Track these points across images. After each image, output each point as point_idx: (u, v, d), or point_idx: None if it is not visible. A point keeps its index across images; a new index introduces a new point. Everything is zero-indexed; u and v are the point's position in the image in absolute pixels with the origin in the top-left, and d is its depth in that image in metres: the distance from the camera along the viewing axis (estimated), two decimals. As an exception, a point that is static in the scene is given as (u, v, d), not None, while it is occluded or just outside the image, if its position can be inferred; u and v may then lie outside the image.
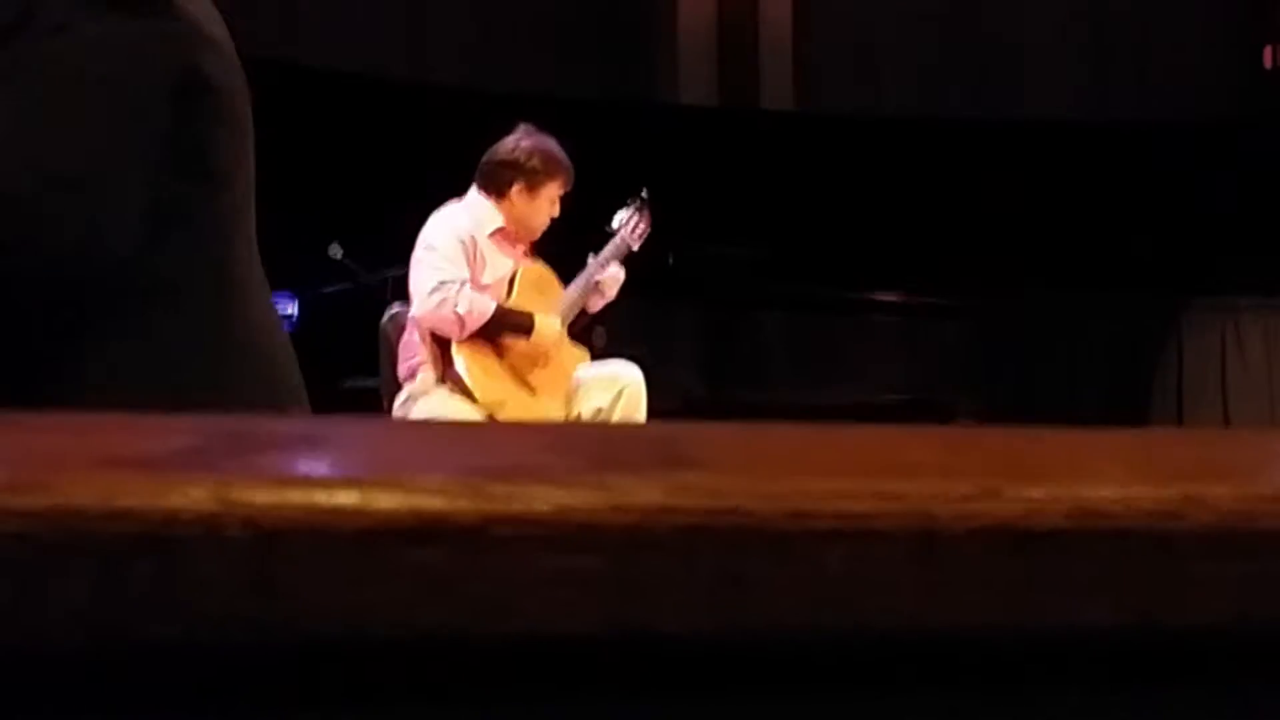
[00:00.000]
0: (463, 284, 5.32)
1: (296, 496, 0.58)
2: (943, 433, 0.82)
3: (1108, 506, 0.64)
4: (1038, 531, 0.63)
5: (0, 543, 0.55)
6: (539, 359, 5.47)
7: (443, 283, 5.30)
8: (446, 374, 5.36)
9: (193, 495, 0.57)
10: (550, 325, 5.48)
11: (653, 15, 10.08)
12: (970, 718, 0.66)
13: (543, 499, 0.59)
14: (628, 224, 5.83)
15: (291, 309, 7.35)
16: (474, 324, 5.31)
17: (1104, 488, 0.65)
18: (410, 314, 5.47)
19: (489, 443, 0.71)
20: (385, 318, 5.72)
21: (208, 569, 0.57)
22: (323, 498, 0.58)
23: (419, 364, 5.43)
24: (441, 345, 5.37)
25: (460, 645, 0.59)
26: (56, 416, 0.72)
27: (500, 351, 5.43)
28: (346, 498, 0.58)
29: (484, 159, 5.56)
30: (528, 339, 5.43)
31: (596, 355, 5.72)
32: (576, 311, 5.66)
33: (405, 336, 5.51)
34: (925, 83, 10.35)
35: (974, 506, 0.63)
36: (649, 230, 5.85)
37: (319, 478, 0.59)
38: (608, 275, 5.70)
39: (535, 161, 5.48)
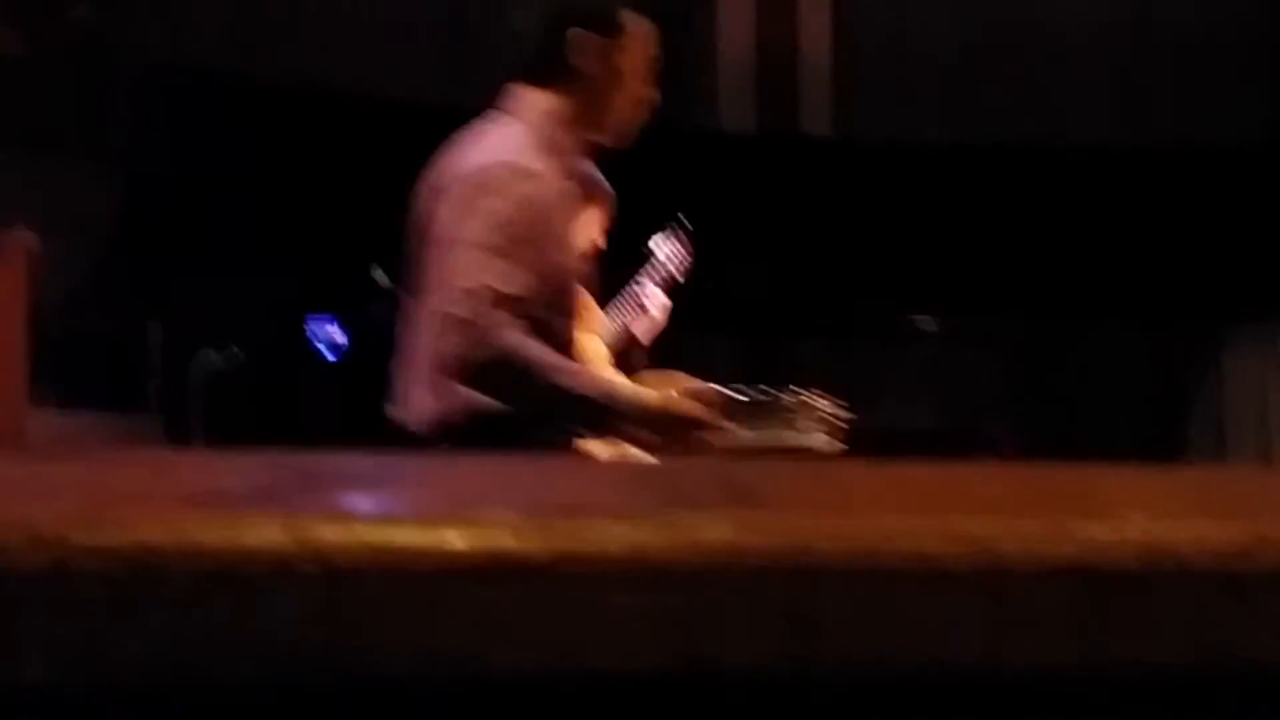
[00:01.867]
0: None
1: (369, 534, 0.58)
2: (1010, 470, 0.81)
3: (1178, 546, 0.64)
4: (1107, 571, 0.63)
5: (78, 580, 0.56)
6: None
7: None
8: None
9: (267, 533, 0.57)
10: (593, 344, 5.48)
11: (692, 41, 10.08)
12: (1038, 757, 0.66)
13: (614, 537, 0.59)
14: (666, 250, 5.82)
15: (337, 334, 7.36)
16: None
17: (1173, 527, 0.64)
18: (452, 339, 5.47)
19: (559, 480, 0.71)
20: (426, 343, 5.73)
21: (281, 606, 0.57)
22: (395, 535, 0.58)
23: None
24: (483, 370, 5.38)
25: (532, 683, 0.59)
26: (132, 454, 0.72)
27: (541, 376, 5.43)
28: (418, 536, 0.58)
29: (525, 186, 5.58)
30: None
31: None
32: (616, 335, 5.65)
33: (446, 362, 5.52)
34: (964, 108, 10.32)
35: (1043, 546, 0.63)
36: (688, 256, 5.85)
37: (391, 516, 0.60)
38: (649, 299, 5.70)
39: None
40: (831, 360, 9.45)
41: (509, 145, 3.02)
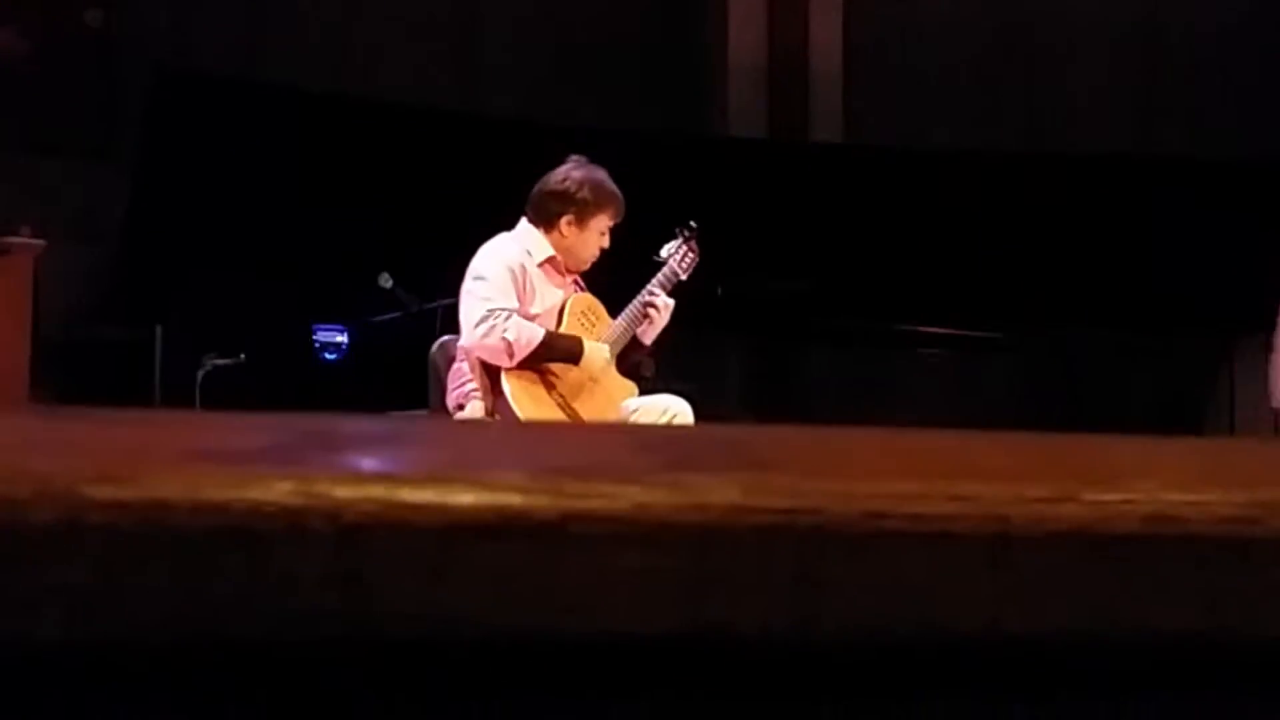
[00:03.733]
0: (511, 313, 5.33)
1: (378, 491, 0.58)
2: (1018, 437, 0.82)
3: (1183, 511, 0.64)
4: (1113, 536, 0.63)
5: (85, 534, 0.56)
6: (587, 387, 5.47)
7: (491, 311, 5.31)
8: (495, 404, 5.37)
9: (276, 489, 0.57)
10: (599, 351, 5.49)
11: (703, 48, 10.10)
12: (1044, 723, 0.66)
13: (621, 497, 0.59)
14: (676, 254, 5.83)
15: (341, 338, 7.38)
16: (522, 351, 5.32)
17: (1179, 492, 0.64)
18: (460, 344, 5.48)
19: (568, 442, 0.72)
20: (434, 347, 5.73)
21: (290, 563, 0.57)
22: (404, 493, 0.58)
23: (467, 394, 5.44)
24: (491, 375, 5.38)
25: (538, 642, 0.59)
26: (142, 412, 0.73)
27: (549, 382, 5.44)
28: (427, 493, 0.58)
29: (534, 190, 5.58)
30: (576, 365, 5.43)
31: (644, 387, 5.72)
32: (625, 342, 5.66)
33: (454, 366, 5.53)
34: (974, 116, 10.32)
35: (1049, 510, 0.63)
36: (697, 261, 5.86)
37: (401, 473, 0.60)
38: (657, 304, 5.70)
39: (585, 193, 5.49)
40: (841, 366, 9.45)
41: None
